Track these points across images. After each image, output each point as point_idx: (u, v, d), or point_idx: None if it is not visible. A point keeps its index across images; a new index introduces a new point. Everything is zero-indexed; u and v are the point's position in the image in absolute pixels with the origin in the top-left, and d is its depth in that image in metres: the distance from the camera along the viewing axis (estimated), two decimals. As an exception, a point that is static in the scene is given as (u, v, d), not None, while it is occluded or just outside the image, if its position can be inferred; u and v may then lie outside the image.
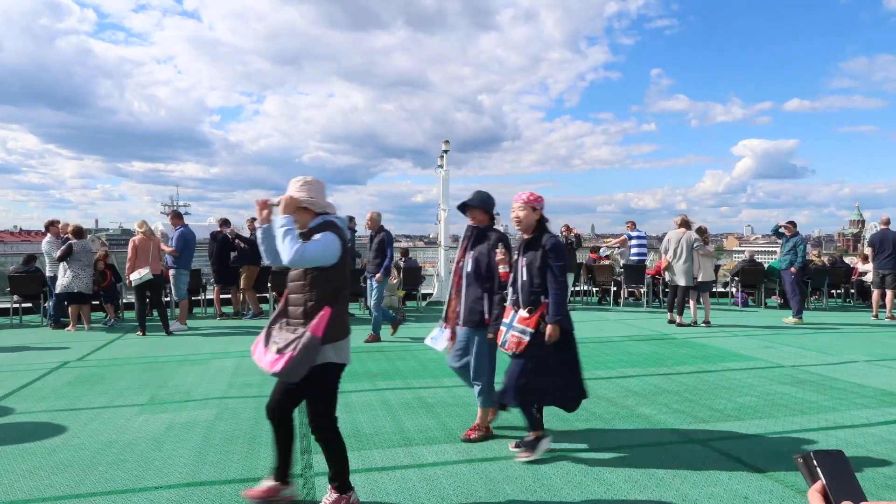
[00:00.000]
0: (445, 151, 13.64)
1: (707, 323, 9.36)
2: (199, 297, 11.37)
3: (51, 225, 9.68)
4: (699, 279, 9.47)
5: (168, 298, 9.98)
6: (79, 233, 9.19)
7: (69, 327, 9.08)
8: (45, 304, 10.00)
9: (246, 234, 10.78)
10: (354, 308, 11.62)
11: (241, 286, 10.38)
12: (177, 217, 9.74)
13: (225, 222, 10.83)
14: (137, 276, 8.45)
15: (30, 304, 10.44)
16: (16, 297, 10.07)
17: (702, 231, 9.77)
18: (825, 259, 13.92)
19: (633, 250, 12.57)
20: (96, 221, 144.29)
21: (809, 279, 12.16)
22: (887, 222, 10.79)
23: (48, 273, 9.68)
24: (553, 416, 4.52)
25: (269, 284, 10.32)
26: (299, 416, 4.53)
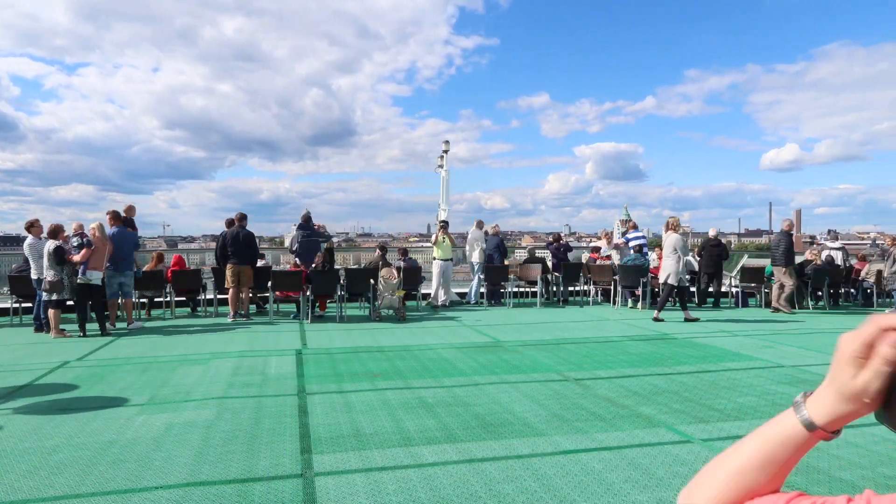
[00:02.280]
0: (445, 152, 13.67)
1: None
2: (200, 297, 11.37)
3: (31, 226, 9.04)
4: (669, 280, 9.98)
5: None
6: (54, 233, 8.89)
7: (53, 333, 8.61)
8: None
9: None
10: (354, 307, 11.63)
11: (227, 285, 10.14)
12: (116, 218, 9.42)
13: (231, 223, 10.70)
14: (92, 277, 8.38)
15: (29, 304, 10.44)
16: (15, 297, 10.08)
17: (675, 225, 10.30)
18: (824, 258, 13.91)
19: (633, 252, 12.57)
20: None
21: (809, 279, 12.17)
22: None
23: (33, 276, 9.01)
24: (553, 417, 4.52)
25: (269, 284, 10.31)
26: (299, 415, 4.54)
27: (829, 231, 22.12)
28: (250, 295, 10.71)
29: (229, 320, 9.95)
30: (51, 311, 8.53)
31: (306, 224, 11.42)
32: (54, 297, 8.40)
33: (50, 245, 8.40)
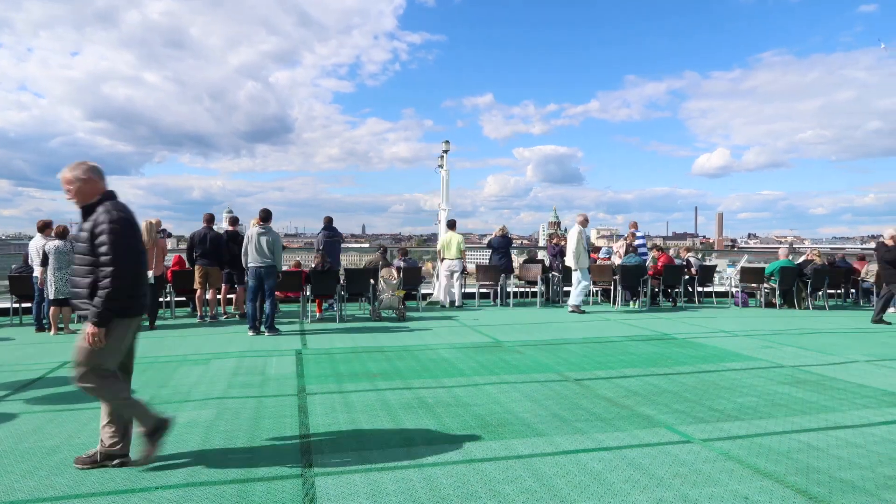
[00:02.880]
0: (445, 151, 13.70)
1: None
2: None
3: (46, 226, 9.13)
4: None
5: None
6: (62, 234, 8.94)
7: (52, 331, 8.78)
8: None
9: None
10: (353, 307, 11.64)
11: (195, 286, 10.00)
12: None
13: (234, 221, 10.72)
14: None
15: (29, 304, 10.43)
16: (14, 297, 10.08)
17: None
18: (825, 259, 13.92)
19: (638, 250, 12.62)
20: None
21: (809, 279, 12.17)
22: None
23: (37, 274, 9.05)
24: (553, 417, 4.52)
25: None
26: (299, 415, 4.54)
27: (750, 234, 22.05)
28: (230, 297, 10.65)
29: (197, 320, 9.93)
30: (52, 310, 8.67)
31: (328, 226, 11.98)
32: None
33: (59, 244, 8.52)
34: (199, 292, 10.04)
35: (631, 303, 12.26)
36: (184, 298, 11.28)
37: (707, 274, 13.47)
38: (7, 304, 10.42)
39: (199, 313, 10.05)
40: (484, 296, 12.98)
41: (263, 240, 8.40)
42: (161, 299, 11.14)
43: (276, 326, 8.74)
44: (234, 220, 10.69)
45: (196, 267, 9.97)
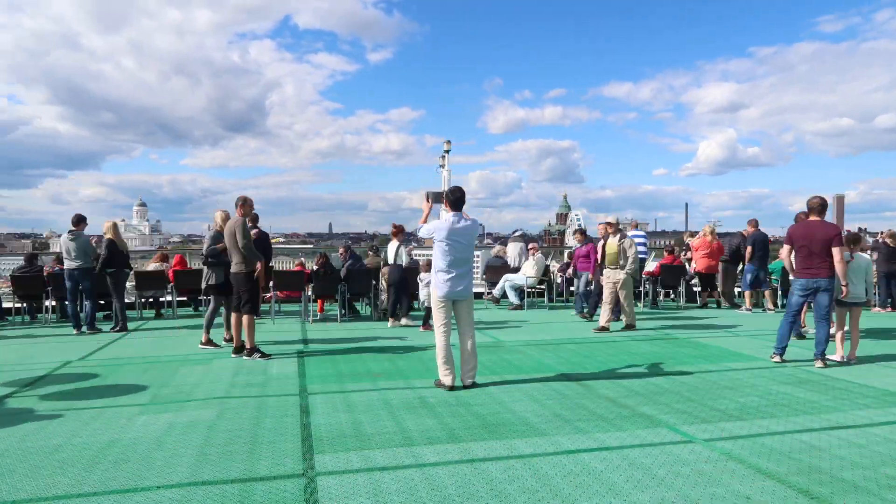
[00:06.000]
0: (447, 151, 13.71)
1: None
2: (202, 297, 11.36)
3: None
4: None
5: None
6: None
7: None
8: (48, 303, 10.01)
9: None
10: (356, 306, 11.63)
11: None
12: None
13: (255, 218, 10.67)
14: None
15: (33, 304, 10.46)
16: (17, 297, 10.11)
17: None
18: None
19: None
20: None
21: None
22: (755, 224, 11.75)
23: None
24: (554, 416, 4.52)
25: (270, 283, 10.31)
26: (301, 415, 4.54)
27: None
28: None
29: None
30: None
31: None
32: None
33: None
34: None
35: (637, 303, 12.22)
36: (184, 298, 11.29)
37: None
38: (9, 304, 10.44)
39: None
40: (478, 295, 12.96)
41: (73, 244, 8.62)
42: (162, 299, 11.18)
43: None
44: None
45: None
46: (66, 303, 9.15)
